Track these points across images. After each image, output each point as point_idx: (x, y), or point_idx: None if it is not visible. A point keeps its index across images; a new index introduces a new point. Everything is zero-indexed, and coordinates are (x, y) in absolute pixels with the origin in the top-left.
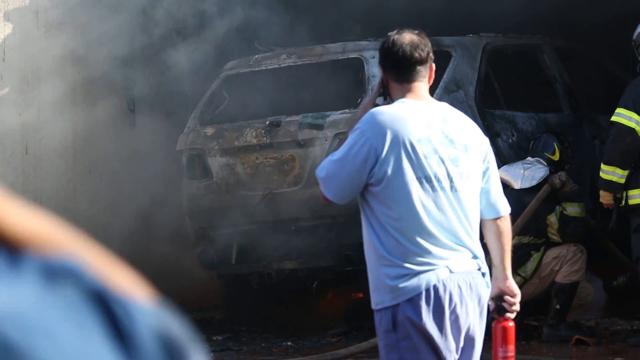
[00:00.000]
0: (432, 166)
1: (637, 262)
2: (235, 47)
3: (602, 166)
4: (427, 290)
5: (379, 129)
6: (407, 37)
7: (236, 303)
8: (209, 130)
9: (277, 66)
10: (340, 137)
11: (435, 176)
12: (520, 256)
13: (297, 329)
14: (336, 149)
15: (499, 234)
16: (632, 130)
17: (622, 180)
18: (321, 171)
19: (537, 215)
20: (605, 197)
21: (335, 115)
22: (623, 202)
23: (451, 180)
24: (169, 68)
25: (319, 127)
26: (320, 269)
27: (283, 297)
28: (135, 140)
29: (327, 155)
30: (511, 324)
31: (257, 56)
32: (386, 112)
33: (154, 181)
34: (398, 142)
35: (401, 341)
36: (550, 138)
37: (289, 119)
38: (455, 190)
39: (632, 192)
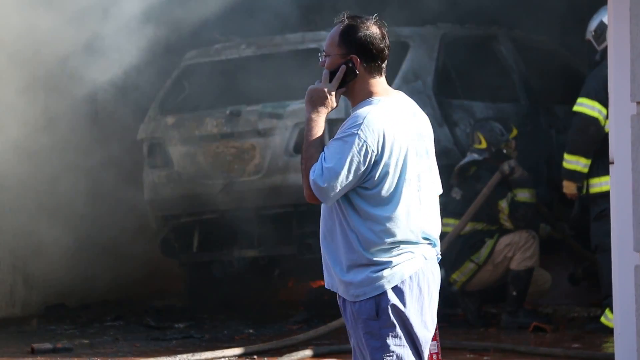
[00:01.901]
0: (417, 165)
1: (595, 250)
2: (195, 37)
3: (566, 156)
4: (410, 277)
5: (378, 135)
6: (380, 29)
7: (198, 291)
8: (170, 120)
9: (236, 56)
10: (301, 127)
11: (419, 174)
12: (473, 243)
13: (258, 316)
14: (313, 144)
15: None
16: (595, 119)
17: (586, 170)
18: (319, 179)
19: (488, 202)
20: (569, 188)
21: (295, 105)
22: (584, 190)
23: (427, 174)
24: (129, 57)
25: (279, 117)
26: (281, 257)
27: (244, 285)
28: (97, 130)
29: (287, 145)
30: None
31: (216, 46)
32: (379, 116)
33: (116, 170)
34: (394, 146)
35: (383, 328)
36: (474, 128)
37: (249, 108)
38: (430, 183)
39: (593, 181)
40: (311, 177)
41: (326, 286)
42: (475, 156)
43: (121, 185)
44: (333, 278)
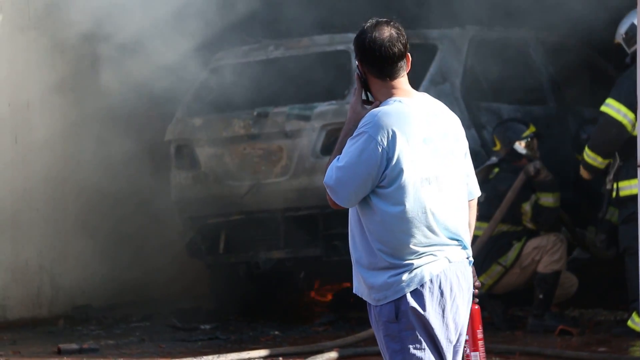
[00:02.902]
0: (437, 164)
1: (624, 253)
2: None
3: (587, 149)
4: (431, 280)
5: (388, 132)
6: (386, 32)
7: (224, 292)
8: (197, 121)
9: (264, 57)
10: (328, 129)
11: (440, 174)
12: (500, 246)
13: (284, 318)
14: (334, 151)
15: (470, 215)
16: (619, 123)
17: (603, 167)
18: (329, 179)
19: (512, 203)
20: (584, 174)
21: (322, 107)
22: (614, 194)
23: (450, 175)
24: (156, 58)
25: (306, 118)
26: (307, 258)
27: (270, 286)
28: (126, 130)
29: (314, 146)
30: (477, 307)
31: (244, 47)
32: (391, 113)
33: (143, 171)
34: (408, 144)
35: (403, 331)
36: (493, 131)
37: (276, 110)
38: (453, 184)
39: (622, 183)
40: (324, 179)
41: (354, 291)
42: (493, 159)
43: (149, 186)
44: (359, 282)
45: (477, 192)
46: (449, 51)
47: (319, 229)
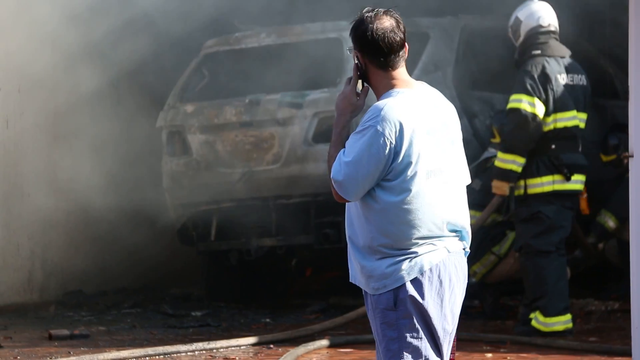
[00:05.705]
0: (440, 155)
1: (519, 251)
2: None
3: (501, 155)
4: (430, 269)
5: (395, 126)
6: (387, 22)
7: (215, 279)
8: (189, 108)
9: (256, 45)
10: (320, 116)
11: (443, 165)
12: (494, 235)
13: (275, 306)
14: (334, 143)
15: None
16: (535, 116)
17: (520, 169)
18: (338, 174)
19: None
20: (501, 188)
21: (314, 94)
22: (523, 191)
23: (452, 166)
24: (150, 44)
25: (298, 106)
26: (299, 246)
27: (262, 274)
28: (117, 116)
29: (305, 134)
30: None
31: (236, 34)
32: (396, 107)
33: (135, 157)
34: (414, 137)
35: (401, 319)
36: (491, 122)
37: (268, 97)
38: (455, 175)
39: (531, 181)
40: (331, 174)
41: (350, 279)
42: (492, 151)
43: (140, 172)
44: (356, 271)
45: (468, 180)
46: (441, 40)
47: (311, 217)
